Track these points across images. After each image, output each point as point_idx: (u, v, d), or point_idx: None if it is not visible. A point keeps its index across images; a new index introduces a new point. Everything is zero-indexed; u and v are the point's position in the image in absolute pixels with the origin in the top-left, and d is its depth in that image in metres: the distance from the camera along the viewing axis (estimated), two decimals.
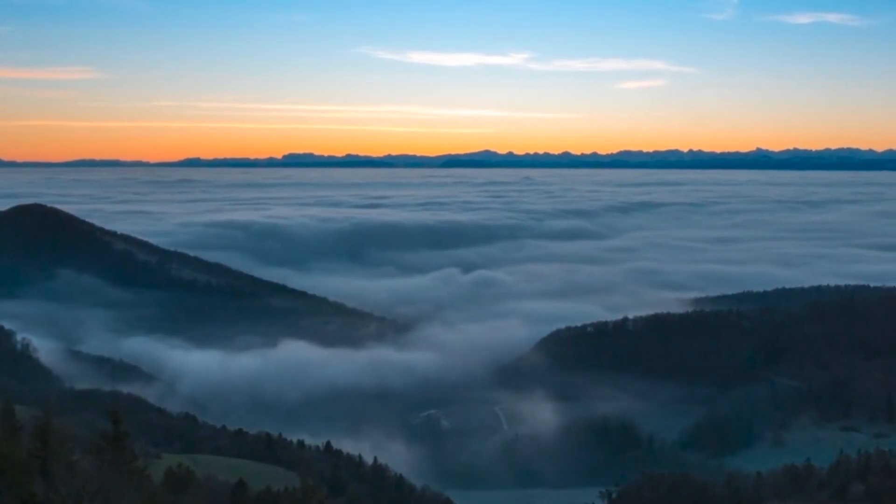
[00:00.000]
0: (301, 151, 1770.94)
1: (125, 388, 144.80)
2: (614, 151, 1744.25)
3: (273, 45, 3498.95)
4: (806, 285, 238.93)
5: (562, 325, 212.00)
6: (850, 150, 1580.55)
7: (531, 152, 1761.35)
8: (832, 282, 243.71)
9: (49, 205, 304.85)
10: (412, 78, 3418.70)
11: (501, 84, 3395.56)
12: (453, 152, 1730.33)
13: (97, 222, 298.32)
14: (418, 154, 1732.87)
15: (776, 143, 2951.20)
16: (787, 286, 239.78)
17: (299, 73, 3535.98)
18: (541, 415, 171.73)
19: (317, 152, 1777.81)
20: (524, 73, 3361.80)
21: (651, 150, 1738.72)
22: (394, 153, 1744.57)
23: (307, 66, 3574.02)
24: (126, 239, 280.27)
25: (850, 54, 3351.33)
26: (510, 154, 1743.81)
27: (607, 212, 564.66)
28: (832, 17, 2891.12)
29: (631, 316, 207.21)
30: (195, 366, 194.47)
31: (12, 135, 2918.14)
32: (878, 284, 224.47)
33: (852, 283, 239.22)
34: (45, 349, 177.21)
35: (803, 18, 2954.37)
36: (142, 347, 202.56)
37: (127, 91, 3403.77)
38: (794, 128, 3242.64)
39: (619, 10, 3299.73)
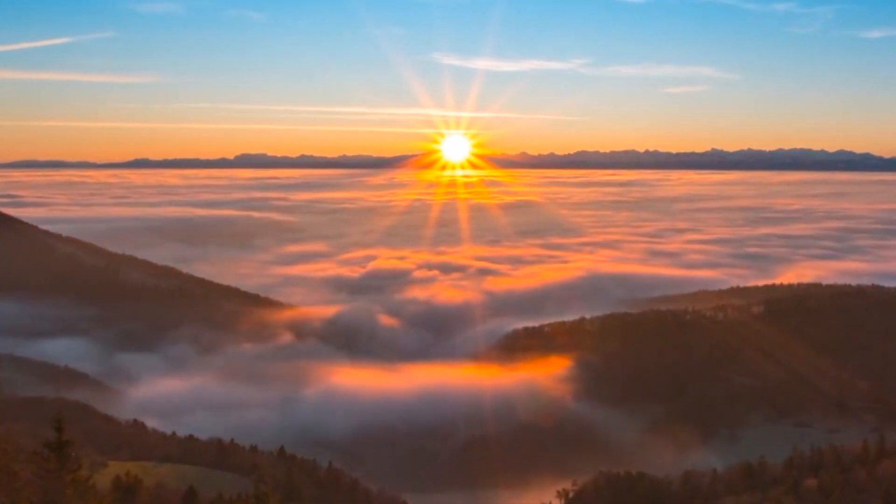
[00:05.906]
0: (254, 152, 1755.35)
1: (71, 396, 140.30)
2: (571, 152, 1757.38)
3: (257, 46, 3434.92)
4: (760, 283, 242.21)
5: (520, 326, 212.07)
6: (802, 150, 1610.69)
7: (489, 153, 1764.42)
8: None
9: None
10: (412, 79, 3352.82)
11: (518, 88, 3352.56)
12: (409, 153, 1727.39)
13: (40, 224, 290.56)
14: (374, 155, 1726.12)
15: (730, 143, 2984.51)
16: (741, 285, 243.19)
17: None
18: (497, 415, 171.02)
19: (270, 153, 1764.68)
20: (574, 78, 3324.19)
21: (608, 151, 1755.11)
22: (349, 154, 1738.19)
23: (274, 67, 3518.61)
24: (72, 241, 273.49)
25: (804, 58, 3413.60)
26: None
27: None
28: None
29: (588, 315, 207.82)
30: (145, 371, 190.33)
31: None
32: (831, 283, 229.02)
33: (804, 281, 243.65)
34: None
35: (876, 33, 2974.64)
36: (88, 353, 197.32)
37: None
38: (748, 128, 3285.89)
39: (696, 19, 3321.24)
